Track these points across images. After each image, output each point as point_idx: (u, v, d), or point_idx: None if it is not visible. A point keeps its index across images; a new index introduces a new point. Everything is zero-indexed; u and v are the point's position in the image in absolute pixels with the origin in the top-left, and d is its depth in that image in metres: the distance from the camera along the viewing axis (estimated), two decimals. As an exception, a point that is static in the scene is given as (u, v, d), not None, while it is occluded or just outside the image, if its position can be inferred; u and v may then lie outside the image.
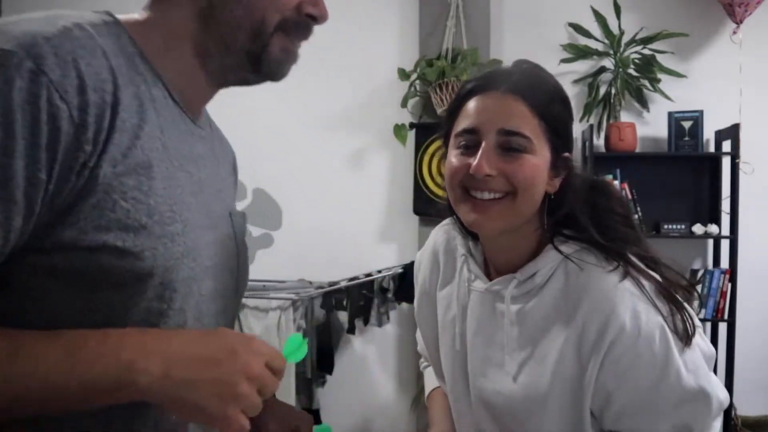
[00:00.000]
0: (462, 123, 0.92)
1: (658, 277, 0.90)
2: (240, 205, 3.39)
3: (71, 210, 0.61)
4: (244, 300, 2.73)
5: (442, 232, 1.11)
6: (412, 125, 3.07)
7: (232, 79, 0.83)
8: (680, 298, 0.89)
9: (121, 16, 0.72)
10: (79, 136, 0.60)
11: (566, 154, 0.92)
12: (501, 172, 0.86)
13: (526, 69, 0.94)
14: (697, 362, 0.88)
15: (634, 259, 0.90)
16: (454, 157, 0.92)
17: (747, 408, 2.87)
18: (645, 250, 0.93)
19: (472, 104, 0.91)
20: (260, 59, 0.76)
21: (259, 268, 3.32)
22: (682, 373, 0.85)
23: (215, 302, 0.79)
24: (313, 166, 3.30)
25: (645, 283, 0.87)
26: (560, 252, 0.91)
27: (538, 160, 0.88)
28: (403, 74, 2.95)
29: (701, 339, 0.92)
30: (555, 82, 0.94)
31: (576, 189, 0.92)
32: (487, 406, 0.97)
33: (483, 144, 0.87)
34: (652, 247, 0.95)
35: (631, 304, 0.85)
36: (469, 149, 0.89)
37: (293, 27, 0.75)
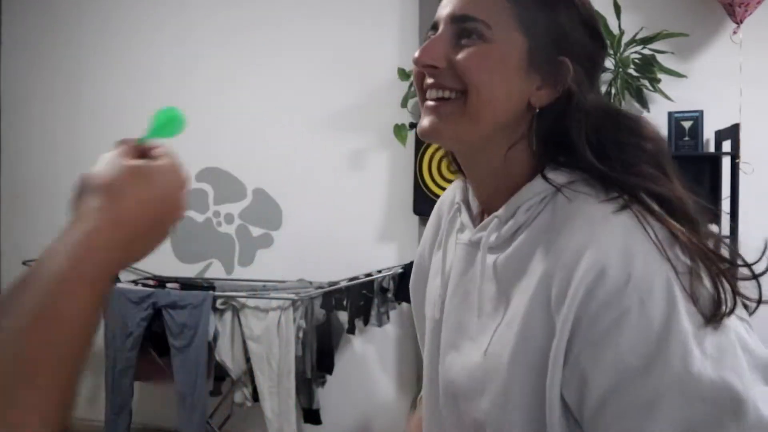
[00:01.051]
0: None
1: (683, 230, 0.64)
2: (240, 205, 3.39)
3: None
4: (244, 300, 2.76)
5: (456, 184, 0.88)
6: (412, 125, 3.07)
7: None
8: (718, 265, 0.64)
9: None
10: None
11: (562, 59, 0.70)
12: (450, 64, 0.70)
13: None
14: (723, 348, 0.60)
15: (652, 203, 0.66)
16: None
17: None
18: (685, 205, 0.68)
19: None
20: None
21: (259, 268, 3.35)
22: (691, 352, 0.58)
23: None
24: (313, 166, 3.30)
25: (655, 225, 0.64)
26: (547, 180, 0.70)
27: (498, 49, 0.69)
28: (403, 74, 2.95)
29: (747, 333, 0.64)
30: None
31: (580, 109, 0.70)
32: (453, 392, 0.75)
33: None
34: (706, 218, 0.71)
35: (622, 240, 0.62)
36: None
37: None
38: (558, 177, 0.70)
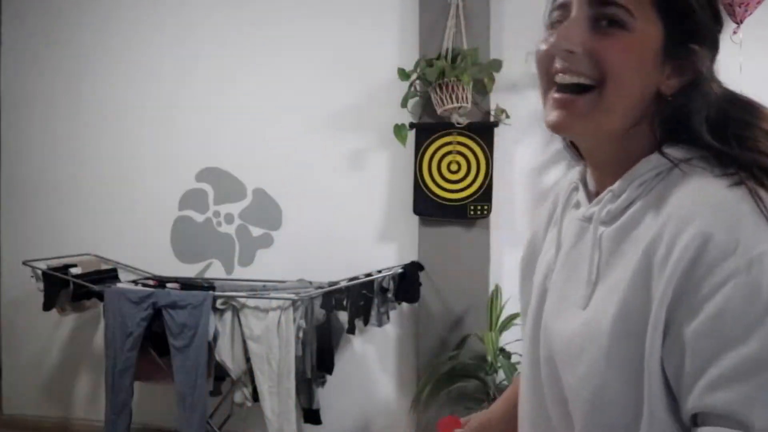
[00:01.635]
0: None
1: None
2: (240, 205, 3.39)
3: None
4: (244, 300, 2.76)
5: (575, 168, 0.88)
6: (412, 125, 3.07)
7: None
8: None
9: None
10: None
11: (693, 46, 0.70)
12: (587, 51, 0.68)
13: None
14: None
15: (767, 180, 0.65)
16: (542, 41, 0.73)
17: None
18: None
19: None
20: None
21: (259, 268, 3.35)
22: None
23: None
24: (313, 166, 3.30)
25: (765, 196, 0.62)
26: (664, 156, 0.69)
27: (640, 40, 0.68)
28: (403, 74, 2.95)
29: None
30: None
31: (705, 93, 0.70)
32: (552, 358, 0.75)
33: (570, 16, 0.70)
34: None
35: (732, 211, 0.61)
36: (558, 27, 0.72)
37: None
38: (675, 152, 0.70)
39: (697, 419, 0.61)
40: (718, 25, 0.73)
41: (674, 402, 0.63)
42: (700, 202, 0.63)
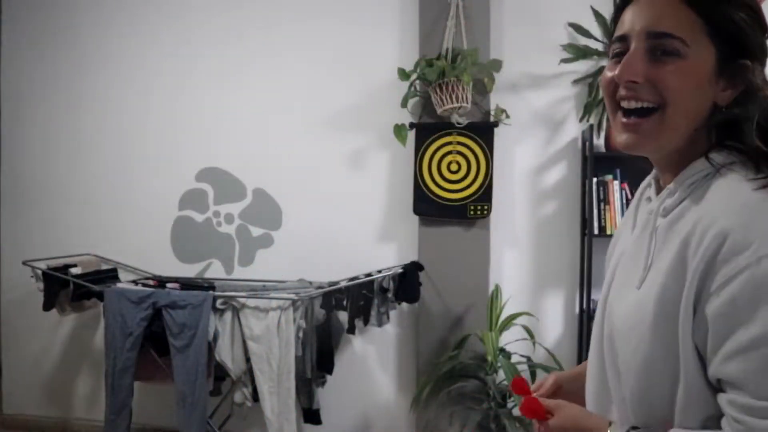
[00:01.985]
0: (616, 32, 0.85)
1: None
2: (240, 205, 3.40)
3: None
4: (244, 300, 2.76)
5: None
6: (412, 125, 3.07)
7: None
8: None
9: None
10: None
11: (744, 61, 0.79)
12: (648, 80, 0.79)
13: None
14: None
15: None
16: (607, 69, 0.85)
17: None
18: None
19: (627, 11, 0.84)
20: None
21: (259, 268, 3.35)
22: None
23: None
24: (313, 166, 3.30)
25: None
26: (708, 161, 0.80)
27: (695, 65, 0.78)
28: (403, 74, 2.94)
29: None
30: None
31: (756, 102, 0.79)
32: (612, 334, 0.87)
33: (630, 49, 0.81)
34: None
35: (754, 214, 0.72)
36: (621, 58, 0.82)
37: None
38: (719, 157, 0.80)
39: (720, 383, 0.75)
40: (764, 34, 0.81)
41: (704, 368, 0.76)
42: (727, 202, 0.75)
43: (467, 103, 2.85)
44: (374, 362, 3.29)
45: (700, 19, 0.78)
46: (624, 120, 0.82)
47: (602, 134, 2.96)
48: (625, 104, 0.81)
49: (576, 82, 3.06)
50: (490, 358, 2.67)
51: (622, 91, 0.81)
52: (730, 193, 0.76)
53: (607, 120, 2.95)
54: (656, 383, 0.80)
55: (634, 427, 0.83)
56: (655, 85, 0.78)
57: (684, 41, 0.77)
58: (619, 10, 0.85)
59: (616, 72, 0.81)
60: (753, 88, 0.79)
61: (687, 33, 0.78)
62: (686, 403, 0.78)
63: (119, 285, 3.00)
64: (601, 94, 3.07)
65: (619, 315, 0.86)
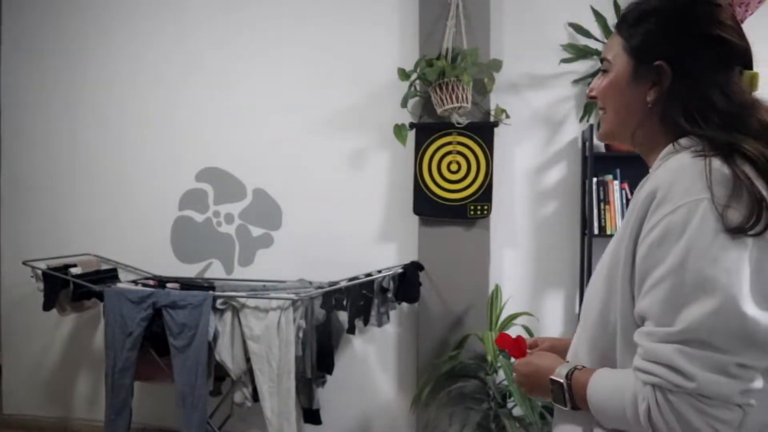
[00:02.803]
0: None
1: (746, 173, 0.84)
2: (240, 205, 3.39)
3: None
4: (244, 300, 2.76)
5: None
6: (412, 125, 3.07)
7: None
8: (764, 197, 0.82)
9: None
10: None
11: (658, 63, 0.95)
12: (596, 92, 1.05)
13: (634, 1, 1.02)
14: (722, 258, 0.80)
15: (751, 150, 0.86)
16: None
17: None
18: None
19: None
20: None
21: (259, 268, 3.35)
22: (692, 254, 0.80)
23: None
24: (313, 166, 3.30)
25: (717, 165, 0.84)
26: (674, 145, 0.93)
27: (615, 75, 1.00)
28: (403, 74, 2.94)
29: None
30: (657, 2, 0.98)
31: (676, 95, 0.93)
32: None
33: None
34: None
35: (679, 174, 0.86)
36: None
37: None
38: (684, 142, 0.93)
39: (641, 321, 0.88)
40: (680, 32, 0.94)
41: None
42: (666, 168, 0.89)
43: (467, 103, 2.85)
44: (374, 362, 3.29)
45: (622, 39, 1.00)
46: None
47: (602, 134, 2.96)
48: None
49: (576, 82, 3.06)
50: (490, 358, 2.67)
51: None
52: (673, 161, 0.90)
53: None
54: (605, 331, 0.94)
55: (577, 368, 0.97)
56: (597, 95, 1.05)
57: (609, 60, 1.02)
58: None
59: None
60: (675, 85, 0.94)
61: (613, 53, 1.01)
62: (624, 347, 0.90)
63: (119, 285, 3.00)
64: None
65: (592, 279, 1.01)
